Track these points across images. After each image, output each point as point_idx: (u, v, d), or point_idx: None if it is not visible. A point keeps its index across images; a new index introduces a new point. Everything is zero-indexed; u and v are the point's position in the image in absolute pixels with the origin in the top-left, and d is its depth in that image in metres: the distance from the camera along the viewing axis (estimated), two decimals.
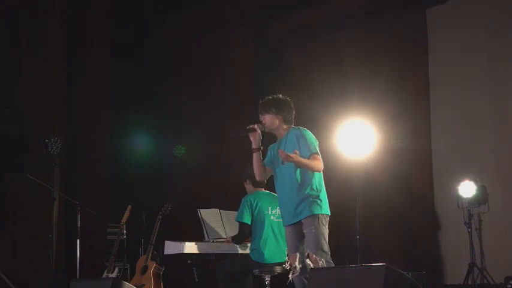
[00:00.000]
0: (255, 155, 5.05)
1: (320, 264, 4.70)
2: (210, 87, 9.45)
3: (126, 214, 7.37)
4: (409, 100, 7.89)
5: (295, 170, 4.89)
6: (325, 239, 4.83)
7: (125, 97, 9.10)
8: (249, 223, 6.16)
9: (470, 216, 7.10)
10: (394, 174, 7.77)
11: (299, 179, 4.89)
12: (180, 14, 9.64)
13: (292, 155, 4.71)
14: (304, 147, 4.87)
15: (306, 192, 4.87)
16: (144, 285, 6.80)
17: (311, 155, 4.85)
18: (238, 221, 6.21)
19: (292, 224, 4.96)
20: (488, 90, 7.48)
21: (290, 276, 4.95)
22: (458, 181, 7.21)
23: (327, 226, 4.89)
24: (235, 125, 8.98)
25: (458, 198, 7.19)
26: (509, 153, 7.27)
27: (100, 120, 8.65)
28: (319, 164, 4.87)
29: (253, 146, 5.02)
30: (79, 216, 6.88)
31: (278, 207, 6.27)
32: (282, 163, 4.92)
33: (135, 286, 5.88)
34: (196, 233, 6.73)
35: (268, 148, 5.17)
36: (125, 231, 8.08)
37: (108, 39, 8.80)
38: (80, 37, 8.69)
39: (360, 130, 6.97)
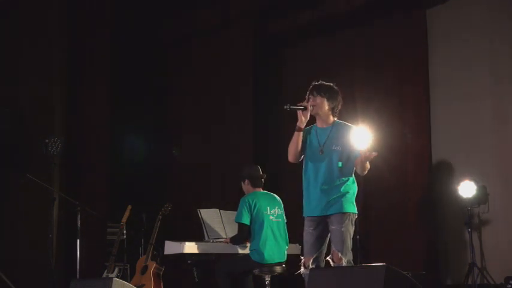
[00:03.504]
0: (297, 134, 4.86)
1: (342, 263, 4.67)
2: (210, 87, 9.46)
3: (126, 214, 7.37)
4: (409, 100, 7.89)
5: (338, 163, 4.80)
6: (351, 239, 4.77)
7: (125, 97, 9.10)
8: (248, 224, 6.15)
9: (470, 216, 7.10)
10: (394, 174, 7.77)
11: (338, 173, 4.81)
12: (180, 14, 9.64)
13: (371, 154, 4.68)
14: (358, 146, 4.78)
15: (343, 188, 4.79)
16: (144, 285, 6.80)
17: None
18: (237, 222, 6.21)
19: (316, 217, 4.83)
20: (489, 90, 7.48)
21: (302, 271, 4.90)
22: (458, 181, 7.21)
23: (354, 225, 4.84)
24: (235, 124, 9.03)
25: (458, 198, 7.18)
26: (509, 153, 7.27)
27: (100, 120, 8.65)
28: (368, 166, 4.84)
29: (299, 124, 4.82)
30: (79, 216, 6.88)
31: (277, 207, 6.28)
32: (321, 152, 4.86)
33: (135, 286, 5.88)
34: (196, 233, 6.74)
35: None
36: (124, 231, 8.08)
37: (108, 39, 8.80)
38: (79, 37, 8.69)
39: (359, 130, 6.95)
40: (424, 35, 7.90)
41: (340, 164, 4.80)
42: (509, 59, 7.32)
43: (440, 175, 7.74)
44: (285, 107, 4.80)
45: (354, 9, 8.22)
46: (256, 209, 6.16)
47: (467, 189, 7.08)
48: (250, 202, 6.17)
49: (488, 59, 7.48)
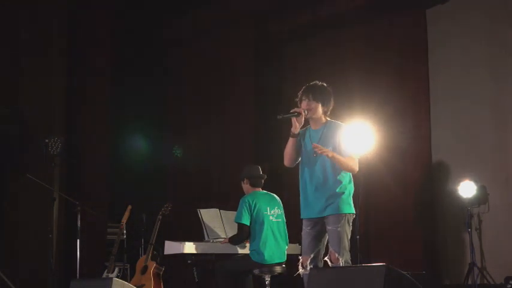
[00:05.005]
0: (292, 140, 4.90)
1: (340, 263, 4.68)
2: (210, 87, 9.46)
3: (126, 214, 7.37)
4: (409, 100, 7.90)
5: (329, 164, 4.80)
6: (348, 239, 4.78)
7: (125, 97, 9.10)
8: (248, 224, 6.15)
9: (470, 216, 7.10)
10: (394, 174, 7.77)
11: (332, 174, 4.81)
12: (180, 14, 9.65)
13: (326, 150, 4.69)
14: (343, 146, 4.80)
15: (338, 188, 4.79)
16: (144, 285, 6.80)
17: (348, 156, 4.80)
18: (237, 222, 6.21)
19: (313, 219, 4.85)
20: (488, 90, 7.47)
21: (300, 271, 4.90)
22: (458, 181, 7.20)
23: (351, 225, 4.85)
24: (235, 124, 9.03)
25: (458, 198, 7.18)
26: (509, 153, 7.26)
27: (100, 120, 8.65)
28: (354, 165, 4.82)
29: (294, 130, 4.85)
30: (79, 216, 6.88)
31: (276, 207, 6.28)
32: (314, 154, 4.85)
33: (135, 286, 5.88)
34: (196, 233, 6.74)
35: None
36: (124, 231, 8.08)
37: (108, 39, 8.80)
38: (80, 37, 8.69)
39: (360, 130, 6.95)
40: (424, 34, 7.90)
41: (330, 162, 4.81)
42: (509, 59, 7.32)
43: (440, 175, 7.74)
44: (278, 116, 4.83)
45: (353, 9, 8.22)
46: (256, 210, 6.15)
47: (467, 189, 7.08)
48: (250, 202, 6.17)
49: (488, 59, 7.48)
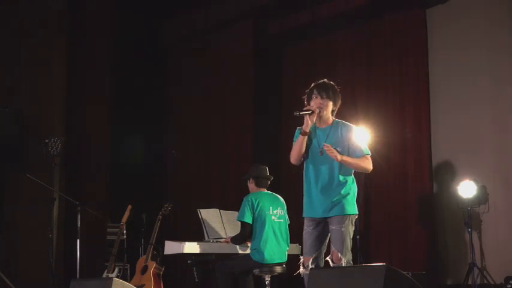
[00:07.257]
0: (302, 137, 4.82)
1: (342, 263, 4.68)
2: (210, 87, 9.46)
3: (126, 214, 7.37)
4: (409, 99, 7.89)
5: (337, 164, 4.77)
6: (350, 239, 4.77)
7: (125, 97, 9.10)
8: (251, 222, 6.15)
9: (470, 216, 7.10)
10: (394, 174, 7.78)
11: (338, 174, 4.79)
12: (180, 14, 9.65)
13: (336, 154, 4.65)
14: (356, 146, 4.79)
15: (344, 190, 4.78)
16: (144, 285, 6.80)
17: (363, 155, 4.81)
18: (239, 221, 6.21)
19: (316, 219, 4.83)
20: (488, 90, 7.47)
21: (301, 271, 4.89)
22: (458, 181, 7.21)
23: (354, 225, 4.84)
24: (235, 124, 9.03)
25: (458, 198, 7.18)
26: (509, 153, 7.26)
27: (100, 120, 8.65)
28: (369, 164, 4.82)
29: (305, 128, 4.79)
30: (79, 216, 6.88)
31: (279, 208, 6.28)
32: (320, 153, 4.83)
33: (135, 286, 5.87)
34: (196, 233, 6.74)
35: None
36: (124, 231, 8.08)
37: (108, 39, 8.80)
38: (79, 37, 8.69)
39: (360, 130, 6.96)
40: (424, 34, 7.90)
41: (338, 165, 4.80)
42: (509, 59, 7.32)
43: (440, 175, 7.74)
44: (295, 113, 4.77)
45: (353, 9, 8.22)
46: (258, 209, 6.15)
47: (467, 189, 7.08)
48: (253, 201, 6.17)
49: (488, 59, 7.47)
